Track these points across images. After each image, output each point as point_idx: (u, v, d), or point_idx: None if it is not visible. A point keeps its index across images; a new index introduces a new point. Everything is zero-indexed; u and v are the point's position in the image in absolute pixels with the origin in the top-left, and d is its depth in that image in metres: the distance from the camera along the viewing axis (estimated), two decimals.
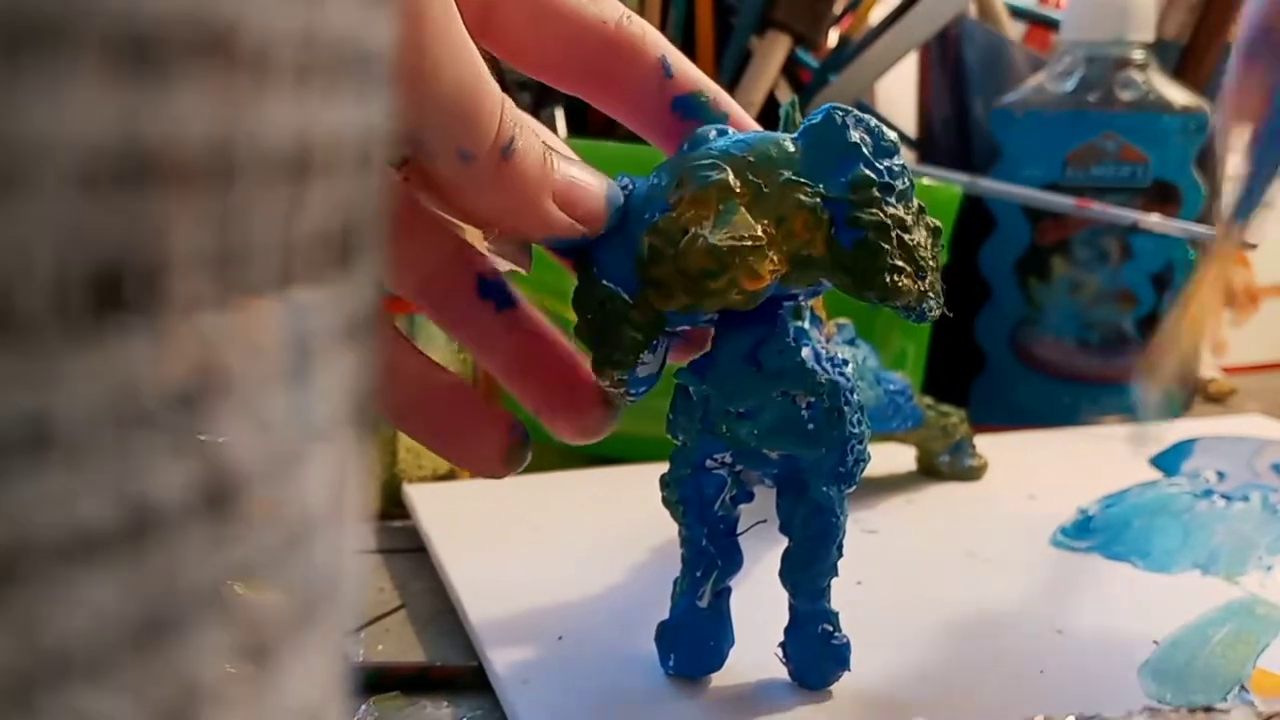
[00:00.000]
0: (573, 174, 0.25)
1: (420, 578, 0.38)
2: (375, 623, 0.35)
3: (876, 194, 0.25)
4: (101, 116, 0.08)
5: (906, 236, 0.25)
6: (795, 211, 0.25)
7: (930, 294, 0.26)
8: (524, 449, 0.26)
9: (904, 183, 0.26)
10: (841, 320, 0.40)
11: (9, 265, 0.07)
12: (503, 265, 0.26)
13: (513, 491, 0.44)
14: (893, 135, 0.26)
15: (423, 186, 0.24)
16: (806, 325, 0.29)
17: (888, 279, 0.25)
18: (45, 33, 0.07)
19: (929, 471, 0.45)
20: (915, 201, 0.26)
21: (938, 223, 0.27)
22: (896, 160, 0.26)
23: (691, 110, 0.27)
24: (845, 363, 0.28)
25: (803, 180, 0.25)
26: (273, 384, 0.10)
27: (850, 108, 0.26)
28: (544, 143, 0.24)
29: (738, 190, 0.25)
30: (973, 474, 0.45)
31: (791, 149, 0.26)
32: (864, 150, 0.25)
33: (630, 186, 0.27)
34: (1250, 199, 0.38)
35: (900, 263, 0.25)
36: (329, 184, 0.10)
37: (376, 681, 0.31)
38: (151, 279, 0.08)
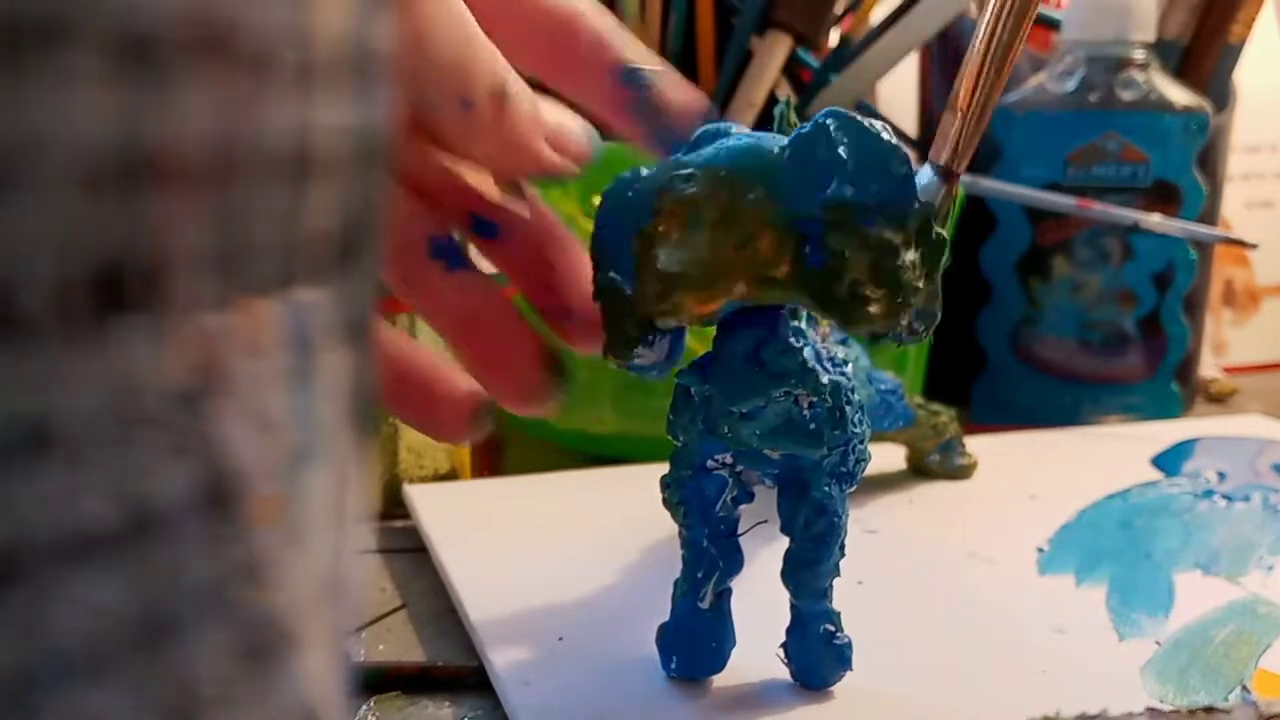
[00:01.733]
0: (558, 118, 0.27)
1: (421, 578, 0.38)
2: (376, 623, 0.35)
3: (852, 215, 0.24)
4: (102, 116, 0.08)
5: (887, 260, 0.24)
6: (761, 230, 0.25)
7: (903, 318, 0.25)
8: (487, 417, 0.28)
9: (900, 196, 0.25)
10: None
11: (9, 265, 0.07)
12: (505, 202, 0.27)
13: (513, 491, 0.44)
14: (892, 140, 0.25)
15: (429, 139, 0.26)
16: (804, 325, 0.29)
17: (850, 308, 0.24)
18: (47, 33, 0.07)
19: (919, 470, 0.45)
20: (919, 213, 0.25)
21: (943, 233, 0.26)
22: (895, 170, 0.25)
23: (633, 81, 0.27)
24: (846, 362, 0.28)
25: (773, 197, 0.25)
26: (273, 384, 0.10)
27: (846, 113, 0.25)
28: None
29: (706, 206, 0.25)
30: (962, 472, 0.45)
31: (773, 161, 0.25)
32: (847, 166, 0.25)
33: (641, 177, 0.27)
34: None
35: (868, 291, 0.24)
36: (329, 184, 0.10)
37: (377, 681, 0.31)
38: (152, 279, 0.08)
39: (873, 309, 0.24)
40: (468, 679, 0.31)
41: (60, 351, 0.08)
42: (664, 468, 0.29)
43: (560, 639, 0.31)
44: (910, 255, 0.25)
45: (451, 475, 0.45)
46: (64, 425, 0.08)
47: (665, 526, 0.30)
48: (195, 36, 0.08)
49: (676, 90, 0.28)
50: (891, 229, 0.25)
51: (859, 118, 0.25)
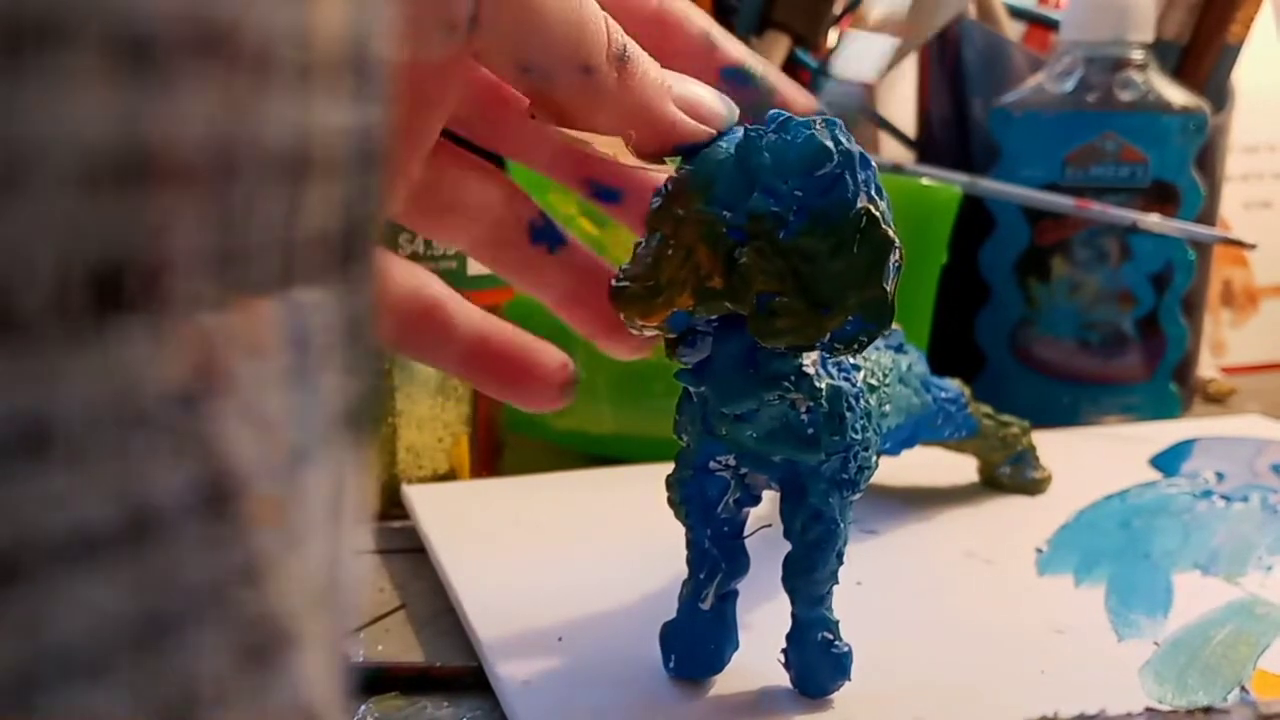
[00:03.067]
0: (685, 82, 0.26)
1: (420, 578, 0.38)
2: (375, 623, 0.35)
3: (770, 225, 0.24)
4: (102, 116, 0.08)
5: (806, 268, 0.24)
6: (698, 243, 0.25)
7: (826, 328, 0.24)
8: (575, 384, 0.29)
9: (829, 199, 0.24)
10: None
11: (9, 265, 0.07)
12: (649, 167, 0.26)
13: (513, 492, 0.44)
14: (825, 142, 0.24)
15: (549, 116, 0.25)
16: None
17: (759, 320, 0.24)
18: (46, 33, 0.07)
19: (990, 483, 0.45)
20: (854, 216, 0.24)
21: (887, 234, 0.24)
22: (827, 170, 0.24)
23: (741, 80, 0.27)
24: (855, 368, 0.28)
25: (709, 210, 0.24)
26: (273, 384, 0.10)
27: (785, 113, 0.25)
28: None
29: (664, 221, 0.25)
30: (1035, 486, 0.44)
31: (717, 170, 0.25)
32: (767, 172, 0.24)
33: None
34: None
35: (776, 304, 0.24)
36: (329, 184, 0.10)
37: (376, 682, 0.31)
38: (152, 279, 0.08)
39: (780, 322, 0.24)
40: (466, 679, 0.31)
41: (59, 351, 0.08)
42: (663, 468, 0.29)
43: (559, 639, 0.31)
44: (839, 263, 0.24)
45: (450, 476, 0.45)
46: (63, 425, 0.08)
47: (665, 527, 0.30)
48: (195, 36, 0.08)
49: (791, 91, 0.28)
50: (818, 233, 0.24)
51: (793, 117, 0.25)
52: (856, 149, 0.25)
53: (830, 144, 0.24)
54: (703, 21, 0.27)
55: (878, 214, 0.24)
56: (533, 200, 0.28)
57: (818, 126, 0.24)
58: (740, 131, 0.25)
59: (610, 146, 0.25)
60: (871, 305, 0.24)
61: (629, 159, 0.25)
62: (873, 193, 0.25)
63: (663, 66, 0.27)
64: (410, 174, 0.26)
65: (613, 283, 0.26)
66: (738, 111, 0.26)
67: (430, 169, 0.27)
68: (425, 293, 0.27)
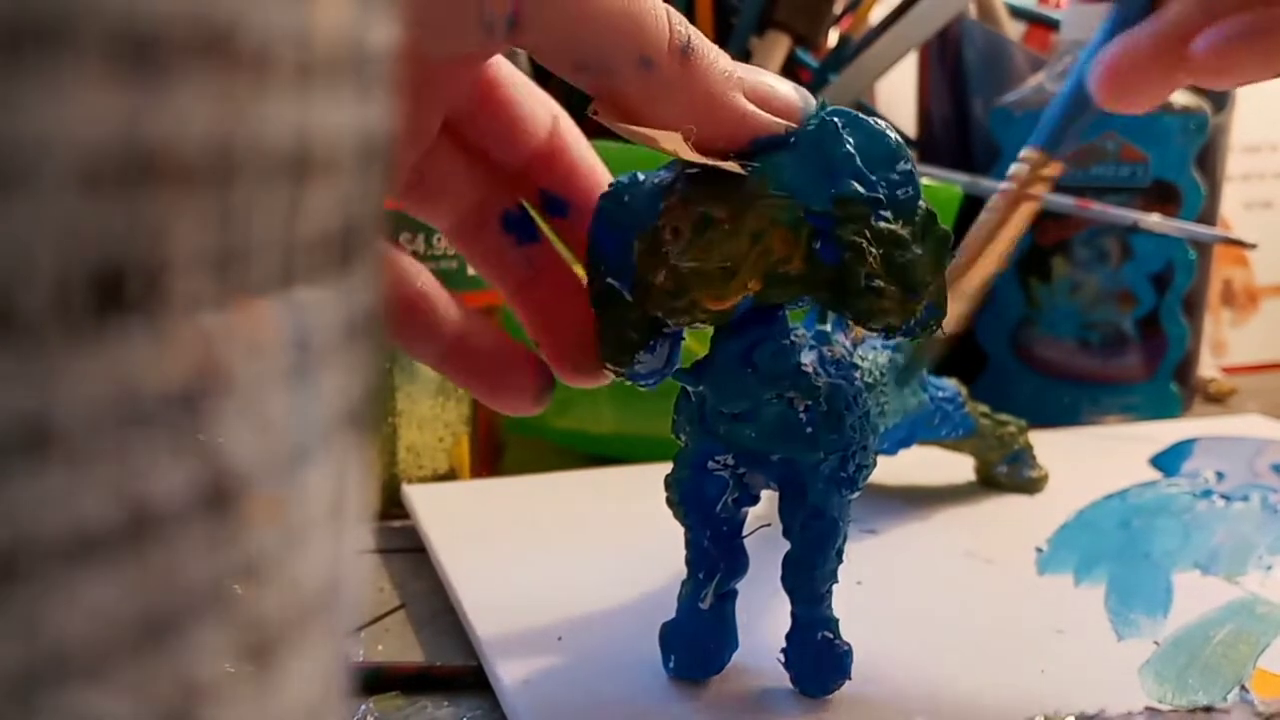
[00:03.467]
0: (756, 73, 0.25)
1: (420, 578, 0.38)
2: (375, 623, 0.35)
3: (863, 210, 0.24)
4: (102, 116, 0.08)
5: (899, 254, 0.24)
6: (772, 228, 0.24)
7: (917, 314, 0.25)
8: (552, 387, 0.28)
9: (907, 192, 0.25)
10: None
11: (9, 265, 0.07)
12: (715, 163, 0.25)
13: (513, 491, 0.44)
14: (896, 138, 0.25)
15: (612, 112, 0.24)
16: (829, 328, 0.29)
17: (864, 302, 0.24)
18: (46, 33, 0.07)
19: (987, 482, 0.45)
20: (923, 211, 0.25)
21: (947, 230, 0.26)
22: (901, 167, 0.25)
23: None
24: (854, 367, 0.28)
25: (783, 194, 0.24)
26: (273, 384, 0.10)
27: (851, 111, 0.25)
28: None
29: (715, 205, 0.25)
30: (1032, 485, 0.44)
31: (779, 158, 0.25)
32: (855, 162, 0.25)
33: (639, 182, 0.27)
34: (1058, 125, 0.37)
35: (881, 283, 0.24)
36: (329, 184, 0.10)
37: (376, 681, 0.31)
38: (152, 279, 0.08)
39: (887, 303, 0.24)
40: (466, 679, 0.31)
41: (59, 351, 0.08)
42: (663, 468, 0.29)
43: (559, 639, 0.31)
44: (919, 251, 0.25)
45: (450, 475, 0.45)
46: (63, 425, 0.08)
47: (665, 527, 0.30)
48: (195, 36, 0.08)
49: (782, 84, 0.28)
50: (899, 223, 0.25)
51: (863, 115, 0.25)
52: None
53: (902, 141, 0.26)
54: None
55: (935, 211, 0.26)
56: (516, 194, 0.28)
57: (884, 125, 0.25)
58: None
59: (671, 142, 0.24)
60: (941, 292, 0.25)
61: (690, 154, 0.24)
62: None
63: None
64: (407, 167, 0.26)
65: (676, 263, 0.25)
66: (814, 103, 0.26)
67: (426, 157, 0.27)
68: (412, 284, 0.27)
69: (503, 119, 0.27)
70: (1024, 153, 0.38)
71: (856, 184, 0.25)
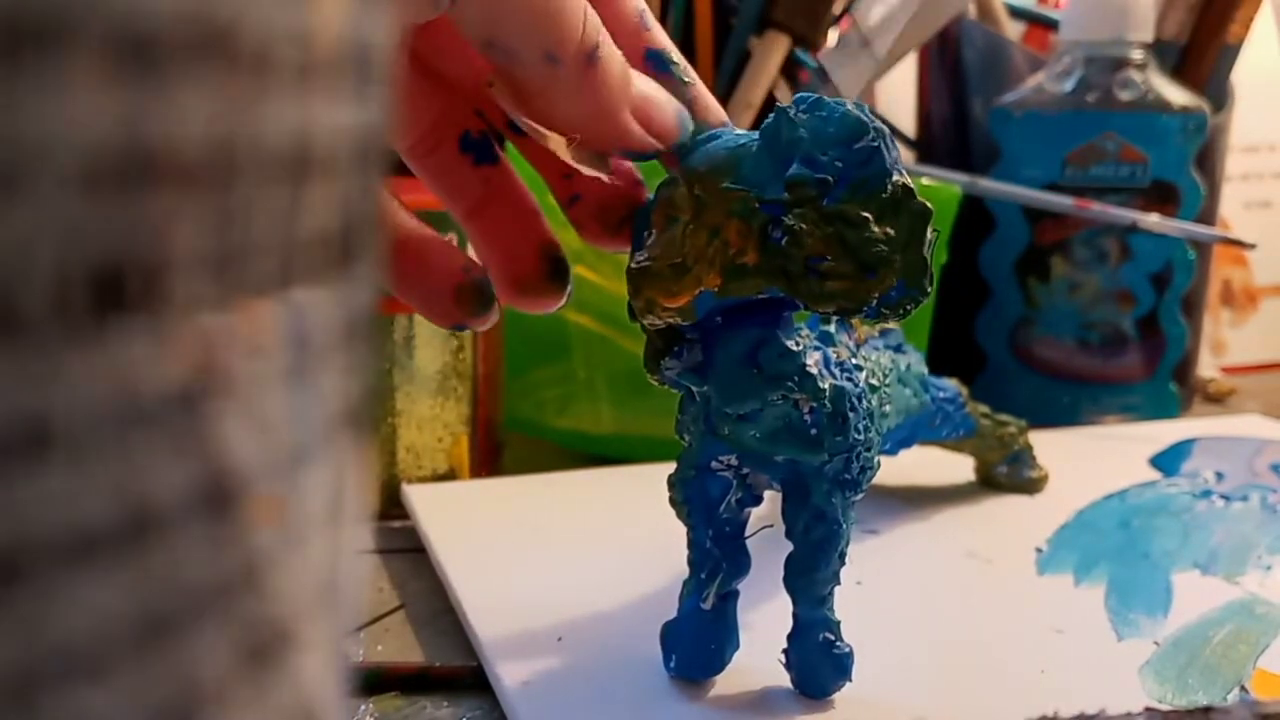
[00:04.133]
0: (648, 91, 0.26)
1: (419, 578, 0.38)
2: (375, 623, 0.35)
3: (810, 192, 0.24)
4: (102, 116, 0.08)
5: (852, 233, 0.24)
6: (727, 221, 0.25)
7: (874, 293, 0.24)
8: (476, 292, 0.27)
9: (868, 170, 0.24)
10: (889, 325, 0.38)
11: (9, 265, 0.07)
12: (587, 171, 0.26)
13: (512, 491, 0.44)
14: (859, 116, 0.25)
15: (506, 94, 0.25)
16: (833, 329, 0.29)
17: (807, 284, 0.24)
18: (46, 33, 0.07)
19: (987, 482, 0.45)
20: (893, 186, 0.24)
21: (925, 204, 0.25)
22: (863, 144, 0.24)
23: (662, 66, 0.27)
24: (858, 368, 0.28)
25: (737, 187, 0.25)
26: (273, 384, 0.10)
27: (813, 94, 0.25)
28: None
29: (681, 206, 0.25)
30: (1032, 486, 0.44)
31: (743, 153, 0.25)
32: (804, 144, 0.24)
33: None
34: None
35: (831, 264, 0.24)
36: (329, 184, 0.10)
37: (376, 682, 0.31)
38: (152, 279, 0.08)
39: (831, 285, 0.24)
40: (466, 679, 0.31)
41: (60, 351, 0.08)
42: (663, 468, 0.29)
43: (559, 639, 0.31)
44: (881, 229, 0.24)
45: (450, 475, 0.45)
46: (63, 425, 0.08)
47: (665, 527, 0.30)
48: (195, 36, 0.08)
49: (707, 95, 0.28)
50: (858, 202, 0.24)
51: (825, 97, 0.25)
52: (884, 127, 0.25)
53: (865, 118, 0.25)
54: (640, 3, 0.27)
55: (912, 185, 0.25)
56: (478, 118, 0.28)
57: (849, 104, 0.25)
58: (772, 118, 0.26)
59: (555, 143, 0.25)
60: (914, 270, 0.24)
61: (567, 157, 0.25)
62: (902, 169, 0.25)
63: None
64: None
65: (631, 264, 0.26)
66: (691, 127, 0.26)
67: None
68: None
69: (462, 43, 0.27)
70: None
71: (804, 167, 0.24)
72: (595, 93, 0.24)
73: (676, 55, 0.27)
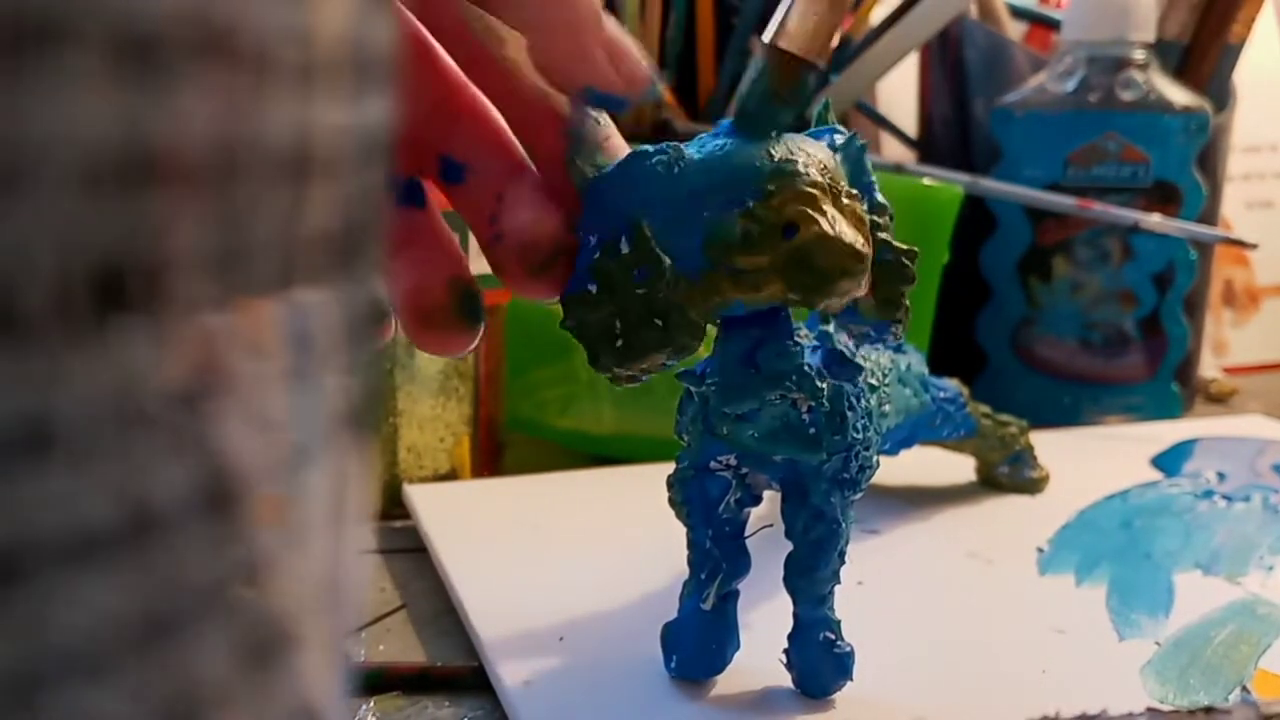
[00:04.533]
0: (620, 36, 0.25)
1: (421, 578, 0.38)
2: (376, 623, 0.35)
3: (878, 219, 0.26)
4: (103, 117, 0.08)
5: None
6: (860, 224, 0.25)
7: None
8: (465, 297, 0.25)
9: (872, 201, 0.27)
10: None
11: (10, 265, 0.07)
12: (535, 84, 0.25)
13: (513, 491, 0.44)
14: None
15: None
16: (831, 328, 0.29)
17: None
18: (47, 33, 0.07)
19: (988, 482, 0.45)
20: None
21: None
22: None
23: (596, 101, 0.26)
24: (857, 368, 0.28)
25: (854, 189, 0.26)
26: (273, 384, 0.10)
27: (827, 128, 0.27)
28: None
29: (832, 196, 0.25)
30: (1034, 486, 0.44)
31: (836, 155, 0.26)
32: (864, 173, 0.27)
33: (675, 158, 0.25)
34: None
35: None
36: (330, 184, 0.10)
37: (377, 682, 0.31)
38: (153, 279, 0.08)
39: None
40: (468, 679, 0.31)
41: (60, 351, 0.08)
42: (664, 468, 0.29)
43: (561, 639, 0.31)
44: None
45: (451, 475, 0.45)
46: (64, 425, 0.08)
47: (665, 527, 0.30)
48: (195, 37, 0.08)
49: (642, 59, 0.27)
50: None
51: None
52: None
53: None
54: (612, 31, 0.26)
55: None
56: (405, 161, 0.27)
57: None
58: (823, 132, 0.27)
59: (514, 47, 0.23)
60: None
61: (521, 68, 0.24)
62: None
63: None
64: None
65: (855, 245, 0.24)
66: (658, 93, 0.26)
67: None
68: None
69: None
70: None
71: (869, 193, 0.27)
72: (567, 9, 0.23)
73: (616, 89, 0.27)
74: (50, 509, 0.08)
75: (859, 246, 0.24)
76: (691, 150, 0.25)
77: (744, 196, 0.24)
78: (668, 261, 0.24)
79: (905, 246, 0.26)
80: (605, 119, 0.27)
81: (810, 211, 0.24)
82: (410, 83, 0.26)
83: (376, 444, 0.44)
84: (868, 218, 0.25)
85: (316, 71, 0.10)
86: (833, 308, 0.25)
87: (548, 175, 0.26)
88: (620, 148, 0.27)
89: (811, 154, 0.25)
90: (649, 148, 0.25)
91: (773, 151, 0.25)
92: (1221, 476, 0.46)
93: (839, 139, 0.27)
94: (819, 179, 0.25)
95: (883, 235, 0.26)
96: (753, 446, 0.27)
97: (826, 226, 0.24)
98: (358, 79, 0.10)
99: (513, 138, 0.27)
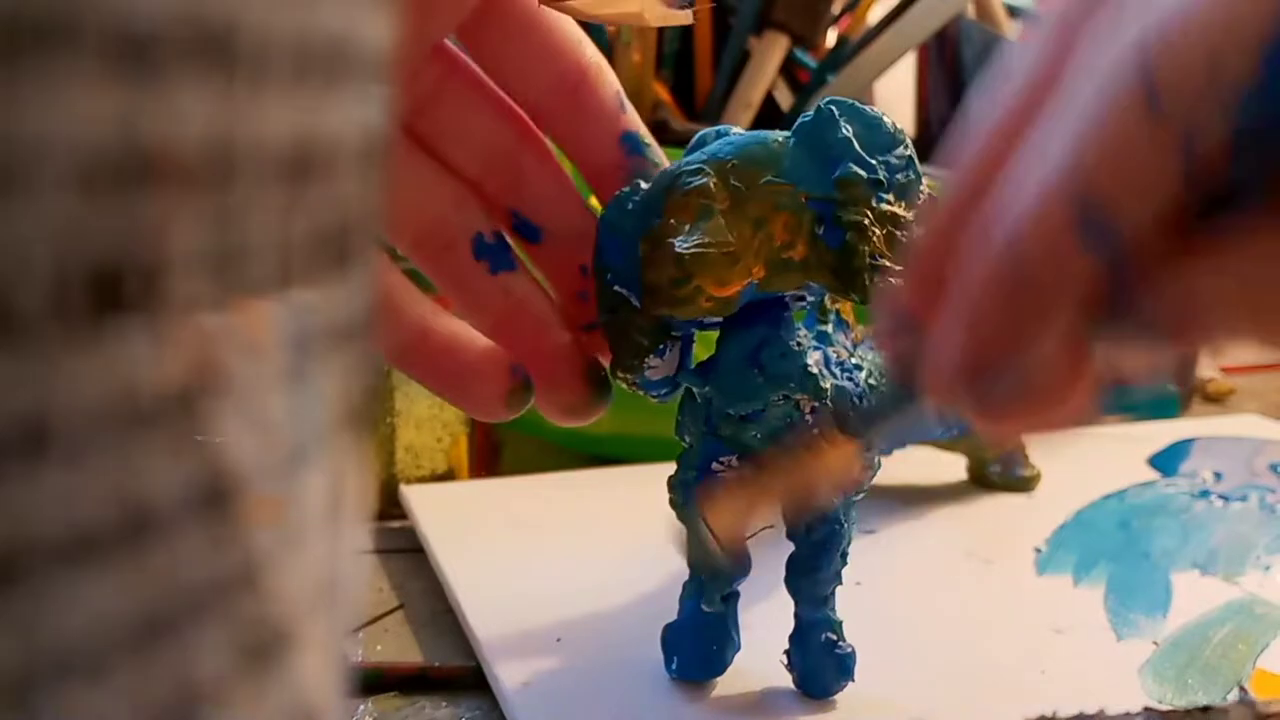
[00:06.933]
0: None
1: (418, 578, 0.38)
2: (374, 623, 0.35)
3: (864, 191, 0.25)
4: (101, 117, 0.08)
5: (902, 234, 0.25)
6: (774, 214, 0.25)
7: None
8: (525, 392, 0.26)
9: (907, 176, 0.25)
10: None
11: (9, 265, 0.07)
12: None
13: (512, 492, 0.44)
14: (895, 125, 0.26)
15: None
16: (830, 329, 0.29)
17: (868, 281, 0.24)
18: (45, 33, 0.07)
19: (979, 481, 0.45)
20: (926, 193, 0.26)
21: None
22: (900, 152, 0.26)
23: (636, 149, 0.27)
24: (858, 368, 0.28)
25: (784, 181, 0.25)
26: (271, 384, 0.10)
27: (850, 100, 0.26)
28: None
29: (717, 196, 0.25)
30: (1024, 484, 0.44)
31: (778, 149, 0.25)
32: (854, 146, 0.25)
33: (640, 189, 0.27)
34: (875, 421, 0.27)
35: (887, 263, 0.25)
36: (327, 184, 0.10)
37: (375, 682, 0.31)
38: (151, 279, 0.08)
39: (889, 283, 0.24)
40: (465, 679, 0.31)
41: (58, 351, 0.08)
42: (663, 468, 0.29)
43: (558, 640, 0.31)
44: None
45: (448, 475, 0.45)
46: (63, 425, 0.08)
47: (663, 527, 0.30)
48: (194, 37, 0.08)
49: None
50: (901, 206, 0.25)
51: (860, 104, 0.26)
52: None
53: (900, 128, 0.26)
54: (616, 84, 0.27)
55: (938, 195, 0.26)
56: (488, 216, 0.27)
57: (882, 113, 0.26)
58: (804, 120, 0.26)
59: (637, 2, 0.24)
60: None
61: (658, 14, 0.24)
62: None
63: (565, 115, 0.27)
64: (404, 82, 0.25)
65: (682, 249, 0.25)
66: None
67: None
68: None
69: (458, 113, 0.26)
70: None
71: (856, 167, 0.25)
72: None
73: (649, 137, 0.28)
74: (48, 509, 0.08)
75: (683, 251, 0.25)
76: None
77: (650, 221, 0.26)
78: (618, 290, 0.26)
79: (864, 223, 0.25)
80: (659, 157, 0.27)
81: (675, 222, 0.25)
82: (476, 129, 0.26)
83: (373, 444, 0.44)
84: (807, 208, 0.25)
85: (315, 72, 0.10)
86: (709, 312, 0.25)
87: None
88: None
89: (720, 157, 0.25)
90: (624, 189, 0.27)
91: (680, 168, 0.26)
92: (1218, 476, 0.46)
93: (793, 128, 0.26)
94: (700, 184, 0.25)
95: (850, 215, 0.25)
96: (756, 447, 0.27)
97: (678, 231, 0.25)
98: (357, 79, 0.10)
99: (579, 195, 0.28)
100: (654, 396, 0.28)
